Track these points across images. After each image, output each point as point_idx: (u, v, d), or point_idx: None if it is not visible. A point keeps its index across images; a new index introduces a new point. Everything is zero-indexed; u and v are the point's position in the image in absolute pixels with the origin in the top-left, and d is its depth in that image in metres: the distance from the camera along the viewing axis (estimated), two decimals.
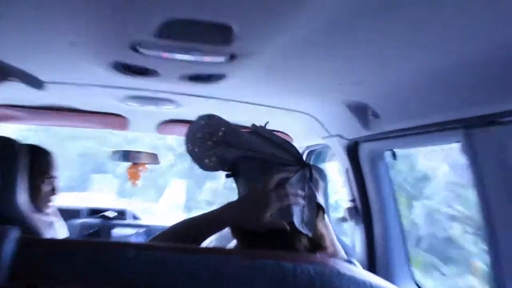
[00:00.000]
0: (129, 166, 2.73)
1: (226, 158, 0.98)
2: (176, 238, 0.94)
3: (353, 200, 2.04)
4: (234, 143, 0.96)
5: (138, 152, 2.71)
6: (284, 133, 2.37)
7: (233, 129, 0.98)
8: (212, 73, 1.27)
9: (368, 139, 1.82)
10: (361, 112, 1.64)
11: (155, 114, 2.13)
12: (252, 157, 0.96)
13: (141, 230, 2.82)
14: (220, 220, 0.94)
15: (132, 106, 1.90)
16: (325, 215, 1.01)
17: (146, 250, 0.68)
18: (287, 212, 0.92)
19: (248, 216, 0.91)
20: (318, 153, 2.77)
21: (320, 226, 0.98)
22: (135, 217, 2.96)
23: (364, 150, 1.92)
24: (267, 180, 0.95)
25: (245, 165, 0.97)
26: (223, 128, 0.97)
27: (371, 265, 1.93)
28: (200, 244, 0.95)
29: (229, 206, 0.96)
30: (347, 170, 2.03)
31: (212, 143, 0.97)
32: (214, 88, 1.49)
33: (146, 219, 3.00)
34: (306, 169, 0.98)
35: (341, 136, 1.92)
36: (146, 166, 2.76)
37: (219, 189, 8.03)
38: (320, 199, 1.03)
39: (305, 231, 0.92)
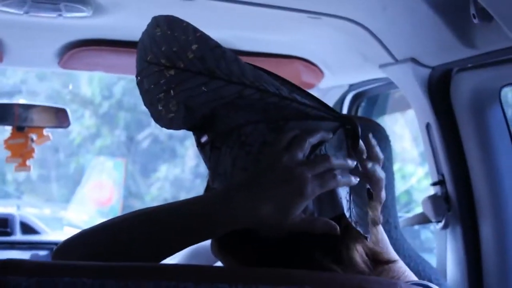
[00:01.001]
0: (9, 135, 2.76)
1: (199, 104, 1.00)
2: (111, 249, 0.98)
3: (440, 183, 2.09)
4: (217, 72, 0.98)
5: (27, 106, 2.72)
6: (306, 60, 2.44)
7: (217, 49, 0.98)
8: None
9: (471, 65, 1.85)
10: (455, 10, 1.65)
11: (53, 31, 2.18)
12: (251, 102, 0.99)
13: (43, 251, 2.90)
14: (199, 222, 0.97)
15: (9, 14, 1.94)
16: (379, 208, 1.08)
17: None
18: (332, 202, 0.98)
19: (258, 212, 0.94)
20: (372, 97, 2.81)
21: (371, 225, 1.05)
22: (29, 230, 3.04)
23: (463, 87, 1.96)
24: (288, 144, 0.98)
25: (237, 118, 0.99)
26: (195, 46, 0.97)
27: None
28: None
29: (213, 195, 0.98)
30: (428, 126, 2.07)
31: (175, 73, 0.98)
32: None
33: (51, 233, 3.08)
34: (348, 127, 1.02)
35: (416, 61, 1.95)
36: (45, 133, 2.78)
37: (185, 178, 8.15)
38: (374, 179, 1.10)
39: (361, 231, 0.98)
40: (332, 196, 0.98)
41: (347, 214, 0.98)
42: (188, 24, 0.99)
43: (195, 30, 0.98)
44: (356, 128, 1.02)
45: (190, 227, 0.97)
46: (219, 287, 0.83)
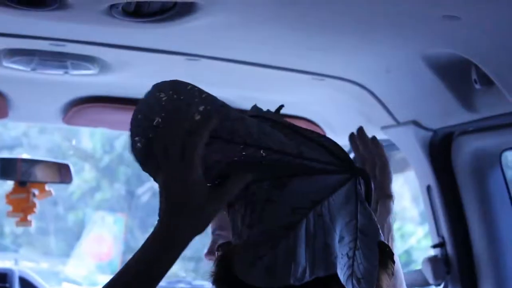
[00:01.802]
0: (11, 190, 2.75)
1: (212, 162, 1.00)
2: None
3: (440, 246, 2.08)
4: (219, 131, 0.98)
5: (30, 161, 2.72)
6: (309, 120, 2.45)
7: (222, 109, 0.99)
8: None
9: (473, 128, 1.86)
10: (457, 75, 1.68)
11: (58, 87, 2.20)
12: (255, 160, 0.99)
13: None
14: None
15: (16, 71, 1.96)
16: (394, 264, 1.04)
17: None
18: (325, 259, 0.96)
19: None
20: None
21: (384, 283, 1.02)
22: (27, 285, 3.03)
23: (464, 150, 1.96)
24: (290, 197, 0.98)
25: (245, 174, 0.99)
26: (202, 107, 0.98)
27: None
28: None
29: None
30: (429, 188, 2.07)
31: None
32: (176, 31, 1.56)
33: None
34: (358, 179, 1.01)
35: (418, 124, 1.96)
36: (47, 189, 2.77)
37: None
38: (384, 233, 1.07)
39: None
40: (326, 254, 0.96)
41: (339, 273, 0.96)
42: (192, 86, 1.00)
43: (201, 91, 1.00)
44: (368, 179, 1.01)
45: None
46: None
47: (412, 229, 6.04)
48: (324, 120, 2.45)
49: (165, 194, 1.00)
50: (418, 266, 2.22)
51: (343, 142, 2.63)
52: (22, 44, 1.78)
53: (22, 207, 2.68)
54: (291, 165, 0.99)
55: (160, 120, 1.00)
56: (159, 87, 1.01)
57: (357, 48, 1.70)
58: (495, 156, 1.95)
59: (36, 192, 2.71)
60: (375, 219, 1.00)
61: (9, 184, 2.75)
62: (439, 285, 2.08)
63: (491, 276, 1.96)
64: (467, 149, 1.94)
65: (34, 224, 2.79)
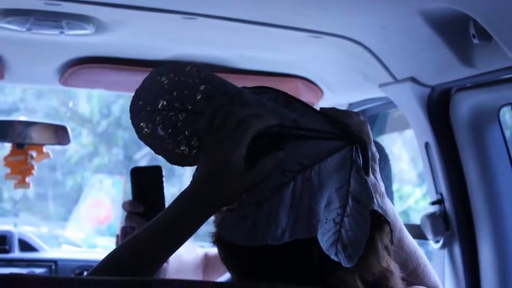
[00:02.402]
0: (8, 152, 2.75)
1: None
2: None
3: (439, 202, 2.09)
4: (219, 109, 1.02)
5: (27, 123, 2.72)
6: (306, 79, 2.45)
7: (221, 87, 1.03)
8: None
9: (471, 84, 1.85)
10: (454, 30, 1.66)
11: (54, 48, 2.19)
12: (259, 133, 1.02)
13: (40, 269, 2.91)
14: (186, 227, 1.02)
15: (11, 32, 1.96)
16: (390, 232, 1.05)
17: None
18: (308, 222, 0.97)
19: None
20: (371, 116, 2.80)
21: (380, 252, 1.03)
22: (27, 247, 3.05)
23: (462, 106, 1.96)
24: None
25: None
26: (202, 86, 1.02)
27: None
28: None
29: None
30: (427, 145, 2.08)
31: (187, 115, 1.02)
32: None
33: (49, 251, 3.10)
34: (354, 147, 1.02)
35: (416, 81, 1.96)
36: (45, 151, 2.77)
37: None
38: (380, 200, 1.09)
39: (342, 259, 0.97)
40: (309, 217, 0.97)
41: (319, 238, 0.97)
42: (191, 67, 1.03)
43: (199, 71, 1.03)
44: (366, 147, 1.02)
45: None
46: None
47: (410, 191, 6.06)
48: (321, 79, 2.45)
49: (205, 160, 1.02)
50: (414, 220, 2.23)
51: (341, 100, 2.66)
52: (17, 3, 1.78)
53: (20, 169, 2.69)
54: (289, 134, 1.02)
55: (165, 103, 1.03)
56: (159, 72, 1.04)
57: (354, 4, 1.69)
58: (493, 111, 1.95)
59: (34, 154, 2.71)
60: (371, 188, 1.01)
61: (7, 147, 2.75)
62: (438, 241, 2.09)
63: (489, 232, 1.97)
64: (465, 105, 1.94)
65: (32, 189, 2.80)
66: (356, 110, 2.74)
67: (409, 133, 2.32)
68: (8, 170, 2.71)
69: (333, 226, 0.97)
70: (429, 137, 2.04)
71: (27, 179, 2.71)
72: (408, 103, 2.05)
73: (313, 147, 1.01)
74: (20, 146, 2.69)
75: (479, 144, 1.97)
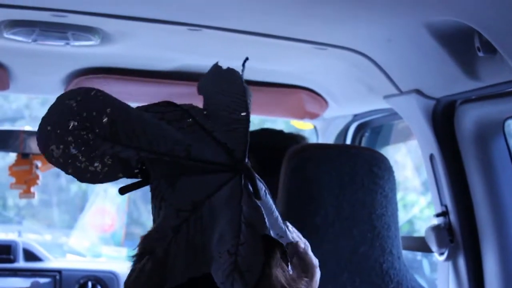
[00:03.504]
0: (13, 162, 2.77)
1: (123, 160, 1.06)
2: None
3: (443, 214, 2.09)
4: (125, 137, 1.05)
5: (32, 133, 2.72)
6: (311, 90, 2.46)
7: (123, 112, 1.05)
8: None
9: (475, 96, 1.86)
10: (459, 43, 1.67)
11: (60, 58, 2.21)
12: (155, 160, 1.05)
13: (45, 279, 2.92)
14: None
15: (17, 43, 1.97)
16: (284, 256, 1.05)
17: None
18: (201, 257, 0.99)
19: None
20: (376, 127, 2.82)
21: (272, 279, 1.03)
22: (32, 257, 3.05)
23: (467, 118, 1.96)
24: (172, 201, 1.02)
25: (152, 173, 1.05)
26: (108, 109, 1.05)
27: None
28: None
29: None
30: (432, 157, 2.08)
31: (95, 137, 1.05)
32: (177, 0, 1.60)
33: (53, 260, 3.10)
34: (243, 176, 1.05)
35: (421, 93, 1.97)
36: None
37: None
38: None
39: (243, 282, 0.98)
40: (203, 254, 0.99)
41: (213, 272, 0.97)
42: (96, 91, 1.05)
43: (104, 95, 1.05)
44: (253, 177, 1.04)
45: None
46: None
47: (415, 199, 6.04)
48: (326, 90, 2.45)
49: None
50: (420, 235, 2.23)
51: (346, 111, 2.67)
52: (23, 15, 1.78)
53: (25, 179, 2.70)
54: (180, 164, 1.03)
55: (76, 123, 1.04)
56: (66, 96, 1.06)
57: (359, 16, 1.70)
58: (498, 124, 1.95)
59: (39, 164, 2.72)
60: (263, 212, 1.02)
61: (12, 156, 2.76)
62: (442, 253, 2.09)
63: (494, 244, 1.97)
64: (470, 117, 1.94)
65: (37, 196, 2.81)
66: (360, 121, 2.75)
67: (413, 141, 2.32)
68: (14, 180, 2.72)
69: (228, 257, 0.99)
70: (434, 149, 2.04)
71: (32, 189, 2.72)
72: (413, 115, 2.05)
73: (203, 181, 1.03)
74: (25, 156, 2.70)
75: (484, 156, 1.97)
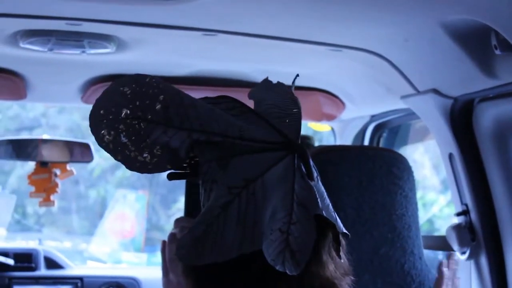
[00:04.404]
0: (32, 171, 2.80)
1: (174, 147, 1.08)
2: None
3: (464, 213, 2.08)
4: (179, 121, 1.07)
5: (51, 141, 2.75)
6: (328, 92, 2.47)
7: (177, 97, 1.07)
8: None
9: (493, 95, 1.85)
10: (476, 41, 1.66)
11: (76, 67, 2.23)
12: (206, 142, 1.06)
13: (66, 286, 2.94)
14: None
15: (33, 52, 1.98)
16: (337, 239, 1.05)
17: None
18: (252, 233, 1.00)
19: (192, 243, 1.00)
20: (393, 127, 2.81)
21: (323, 260, 1.03)
22: (53, 264, 3.07)
23: (485, 117, 1.95)
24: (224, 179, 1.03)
25: (202, 157, 1.07)
26: (161, 97, 1.07)
27: None
28: None
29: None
30: (451, 156, 2.07)
31: (147, 124, 1.07)
32: (192, 6, 1.58)
33: (75, 268, 3.12)
34: (296, 156, 1.05)
35: (438, 92, 1.96)
36: (68, 168, 2.79)
37: None
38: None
39: (288, 267, 0.98)
40: (254, 231, 1.00)
41: (264, 249, 0.98)
42: (150, 77, 1.06)
43: (157, 82, 1.07)
44: (306, 156, 1.04)
45: None
46: None
47: (434, 198, 6.03)
48: (343, 91, 2.45)
49: None
50: (441, 234, 2.22)
51: (363, 112, 2.66)
52: (39, 24, 1.79)
53: (44, 187, 2.72)
54: (233, 145, 1.05)
55: (128, 112, 1.06)
56: (121, 83, 1.07)
57: (374, 17, 1.70)
58: None
59: (58, 172, 2.74)
60: (316, 192, 1.02)
61: (31, 165, 2.78)
62: (464, 252, 2.08)
63: None
64: (488, 115, 1.93)
65: (56, 203, 2.83)
66: (378, 122, 2.74)
67: (431, 140, 2.32)
68: (33, 189, 2.74)
69: (279, 235, 0.99)
70: (453, 148, 2.03)
71: (52, 197, 2.74)
72: (430, 115, 2.05)
73: (256, 160, 1.04)
74: (44, 165, 2.72)
75: (503, 154, 1.96)
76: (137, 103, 1.05)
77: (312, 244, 0.99)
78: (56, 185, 2.74)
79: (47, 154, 2.70)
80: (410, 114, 2.43)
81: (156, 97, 1.06)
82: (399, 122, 2.73)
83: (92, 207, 8.08)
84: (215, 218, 1.00)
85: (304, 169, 1.04)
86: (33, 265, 2.99)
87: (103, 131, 1.06)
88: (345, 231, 1.07)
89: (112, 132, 1.07)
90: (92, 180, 8.23)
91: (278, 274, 0.96)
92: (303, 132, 2.12)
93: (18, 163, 7.12)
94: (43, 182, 2.72)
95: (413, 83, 2.02)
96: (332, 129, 2.97)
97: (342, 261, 1.04)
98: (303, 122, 3.24)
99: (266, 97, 1.14)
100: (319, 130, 3.24)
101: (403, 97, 2.12)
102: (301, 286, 1.00)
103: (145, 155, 1.07)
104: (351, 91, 2.42)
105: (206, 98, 1.09)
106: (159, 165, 1.07)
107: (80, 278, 2.98)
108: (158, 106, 1.05)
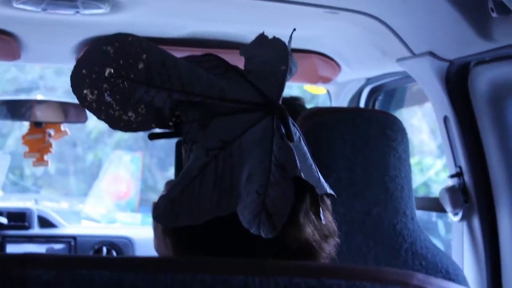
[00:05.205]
0: (27, 131, 2.80)
1: (158, 106, 1.07)
2: None
3: (458, 175, 2.09)
4: (160, 80, 1.06)
5: (45, 102, 2.75)
6: (323, 55, 2.46)
7: (159, 56, 1.06)
8: None
9: (489, 58, 1.84)
10: (473, 4, 1.66)
11: (70, 27, 2.22)
12: (188, 102, 1.05)
13: (59, 245, 2.97)
14: None
15: (27, 12, 1.98)
16: (316, 201, 1.03)
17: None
18: (228, 195, 0.98)
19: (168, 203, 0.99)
20: (389, 91, 2.81)
21: (301, 223, 1.00)
22: (46, 223, 3.10)
23: (481, 80, 1.95)
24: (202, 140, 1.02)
25: (184, 116, 1.06)
26: (144, 56, 1.06)
27: None
28: None
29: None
30: (446, 119, 2.07)
31: (131, 83, 1.06)
32: None
33: (68, 227, 3.15)
34: (275, 115, 1.03)
35: (434, 55, 1.96)
36: (62, 129, 2.79)
37: None
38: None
39: (264, 230, 0.96)
40: (230, 193, 0.98)
41: (239, 211, 0.97)
42: (133, 37, 1.06)
43: (140, 41, 1.06)
44: (285, 116, 1.02)
45: None
46: (237, 279, 0.84)
47: (431, 162, 6.05)
48: (339, 54, 2.44)
49: None
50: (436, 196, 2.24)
51: (359, 75, 2.66)
52: None
53: (38, 147, 2.72)
54: (213, 106, 1.04)
55: (112, 70, 1.05)
56: (104, 42, 1.06)
57: None
58: None
59: (52, 132, 2.75)
60: (295, 154, 1.00)
61: (26, 126, 2.78)
62: (457, 214, 2.09)
63: (509, 204, 1.97)
64: (484, 78, 1.93)
65: (53, 166, 2.84)
66: (374, 85, 2.74)
67: (429, 105, 2.32)
68: (27, 148, 2.74)
69: (256, 197, 0.97)
70: (448, 111, 2.03)
71: (46, 157, 2.75)
72: (426, 78, 2.05)
73: (234, 121, 1.02)
74: (38, 125, 2.72)
75: (498, 117, 1.96)
76: (121, 62, 1.05)
77: (289, 206, 0.98)
78: (50, 145, 2.75)
79: (41, 114, 2.70)
80: (405, 77, 2.42)
81: (139, 56, 1.05)
82: (395, 85, 2.73)
83: (89, 169, 8.08)
84: (192, 180, 0.99)
85: (283, 130, 1.02)
86: (26, 224, 3.01)
87: (85, 91, 1.05)
88: (330, 191, 1.06)
89: (96, 92, 1.05)
90: (90, 143, 8.24)
91: (254, 237, 0.95)
92: (299, 94, 2.13)
93: (16, 125, 7.11)
94: (37, 142, 2.72)
95: (409, 45, 2.01)
96: (328, 92, 2.97)
97: (324, 223, 1.02)
98: (299, 84, 3.25)
99: (258, 53, 1.12)
100: (315, 92, 3.24)
101: (399, 59, 2.11)
102: (277, 248, 0.99)
103: (129, 114, 1.06)
104: (347, 54, 2.41)
105: (190, 56, 1.08)
106: (144, 124, 1.07)
107: (74, 237, 3.00)
108: (141, 66, 1.05)
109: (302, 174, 1.00)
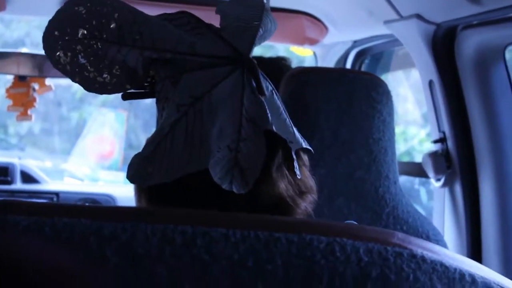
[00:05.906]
0: (11, 84, 2.77)
1: (132, 66, 1.06)
2: None
3: (441, 141, 2.10)
4: (131, 39, 1.04)
5: (29, 55, 2.72)
6: (312, 16, 2.45)
7: (130, 14, 1.04)
8: None
9: (477, 22, 1.85)
10: None
11: None
12: (159, 60, 1.05)
13: (42, 200, 2.97)
14: None
15: None
16: (289, 155, 1.02)
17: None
18: (198, 151, 0.98)
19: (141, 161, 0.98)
20: (376, 54, 2.80)
21: (273, 177, 1.00)
22: (29, 179, 3.11)
23: (468, 44, 1.95)
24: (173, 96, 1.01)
25: (157, 74, 1.05)
26: (116, 15, 1.04)
27: (473, 256, 2.01)
28: None
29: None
30: (431, 83, 2.07)
31: (104, 43, 1.04)
32: None
33: (51, 183, 3.16)
34: (245, 69, 1.02)
35: (421, 18, 1.95)
36: (47, 83, 2.78)
37: None
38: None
39: (236, 186, 0.95)
40: (201, 149, 0.97)
41: (210, 168, 0.95)
42: None
43: (111, 0, 1.05)
44: (255, 70, 1.01)
45: None
46: (217, 232, 0.83)
47: (415, 132, 6.06)
48: (326, 15, 2.43)
49: None
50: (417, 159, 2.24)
51: (346, 37, 2.64)
52: None
53: (22, 101, 2.70)
54: (184, 62, 1.03)
55: (85, 32, 1.04)
56: (75, 2, 1.05)
57: None
58: (499, 50, 1.95)
59: (36, 86, 2.72)
60: (266, 107, 1.00)
61: (10, 79, 2.76)
62: (439, 179, 2.10)
63: (491, 171, 1.98)
64: (471, 43, 1.93)
65: (38, 125, 2.82)
66: (360, 47, 2.74)
67: (415, 74, 2.31)
68: (11, 102, 2.72)
69: (228, 153, 0.96)
70: (433, 75, 2.03)
71: (29, 112, 2.73)
72: (413, 41, 2.04)
73: (204, 76, 1.02)
74: (22, 79, 2.70)
75: (483, 83, 1.96)
76: (93, 22, 1.03)
77: (262, 161, 0.97)
78: (34, 99, 2.73)
79: (25, 68, 2.67)
80: (392, 41, 2.42)
81: (111, 15, 1.03)
82: (381, 49, 2.73)
83: (74, 129, 8.07)
84: (164, 137, 0.98)
85: (254, 84, 1.02)
86: (9, 178, 3.02)
87: (58, 53, 1.04)
88: (306, 146, 1.04)
89: (69, 53, 1.04)
90: (75, 103, 8.22)
91: (227, 193, 0.94)
92: (285, 54, 2.11)
93: (1, 83, 7.09)
94: (21, 96, 2.70)
95: (396, 8, 2.00)
96: (314, 54, 2.96)
97: (300, 178, 1.01)
98: (285, 46, 3.23)
99: (234, 11, 1.10)
100: (301, 54, 3.22)
101: (386, 22, 2.10)
102: (250, 204, 0.98)
103: (104, 75, 1.05)
104: (334, 15, 2.40)
105: (163, 14, 1.07)
106: (119, 85, 1.06)
107: (56, 193, 3.01)
108: (112, 25, 1.03)
109: (274, 127, 0.99)
